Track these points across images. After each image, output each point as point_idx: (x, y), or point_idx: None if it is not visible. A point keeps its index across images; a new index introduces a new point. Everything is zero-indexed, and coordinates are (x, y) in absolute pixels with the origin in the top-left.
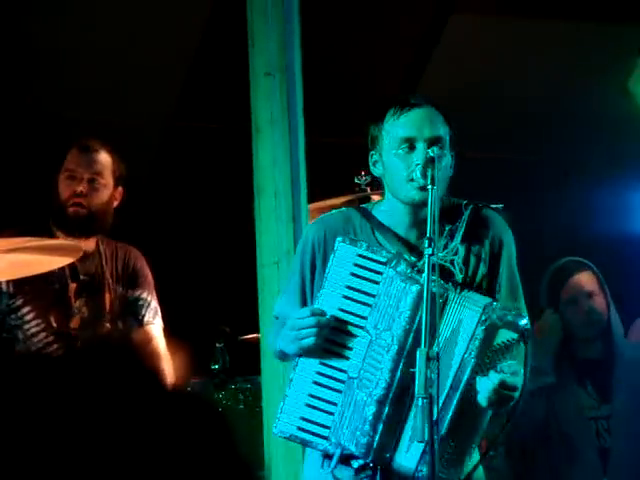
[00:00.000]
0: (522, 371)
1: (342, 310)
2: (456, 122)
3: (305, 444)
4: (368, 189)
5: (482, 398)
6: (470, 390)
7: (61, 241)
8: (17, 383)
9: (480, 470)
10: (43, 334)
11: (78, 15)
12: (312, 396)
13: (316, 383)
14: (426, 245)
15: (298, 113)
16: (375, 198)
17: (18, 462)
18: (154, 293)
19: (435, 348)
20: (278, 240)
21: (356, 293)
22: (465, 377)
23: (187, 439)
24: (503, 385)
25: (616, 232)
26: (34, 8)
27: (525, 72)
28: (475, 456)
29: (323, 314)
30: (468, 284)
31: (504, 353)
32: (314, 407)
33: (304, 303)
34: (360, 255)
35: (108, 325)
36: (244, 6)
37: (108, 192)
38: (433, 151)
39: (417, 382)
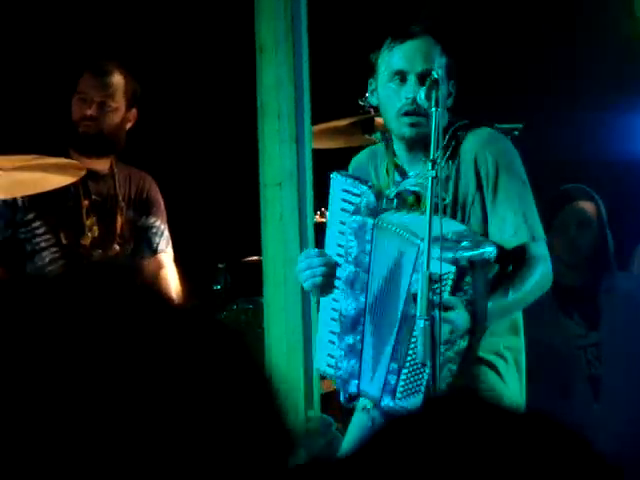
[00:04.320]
0: (460, 305)
1: (338, 245)
2: (456, 45)
3: (331, 379)
4: (372, 111)
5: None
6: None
7: (65, 160)
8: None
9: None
10: (52, 249)
11: None
12: (332, 332)
13: (332, 319)
14: (429, 167)
15: (303, 33)
16: (379, 120)
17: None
18: (166, 221)
19: (436, 270)
20: (281, 161)
21: (345, 227)
22: (410, 309)
23: (204, 359)
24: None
25: (620, 155)
26: None
27: None
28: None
29: (321, 254)
30: (456, 207)
31: (444, 286)
32: (333, 342)
33: None
34: (344, 189)
35: (117, 247)
36: None
37: (120, 114)
38: (437, 73)
39: (419, 304)
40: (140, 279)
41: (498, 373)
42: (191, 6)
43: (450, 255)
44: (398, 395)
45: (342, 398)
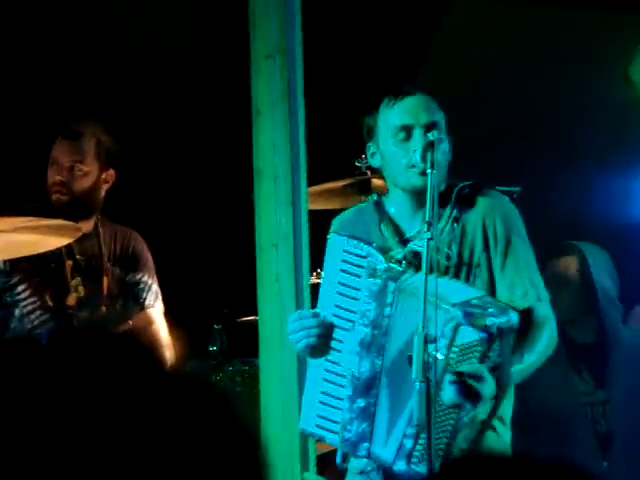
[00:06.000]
0: (487, 374)
1: (337, 306)
2: (456, 108)
3: (322, 440)
4: (368, 172)
5: (445, 397)
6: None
7: (59, 221)
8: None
9: None
10: (38, 312)
11: None
12: (323, 393)
13: (325, 380)
14: (425, 229)
15: (298, 96)
16: (376, 181)
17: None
18: (154, 276)
19: (432, 331)
20: (277, 223)
21: (345, 288)
22: (437, 374)
23: (190, 422)
24: (463, 388)
25: (617, 217)
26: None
27: (526, 57)
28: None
29: (315, 315)
30: (461, 268)
31: (473, 352)
32: (326, 404)
33: None
34: (345, 250)
35: (104, 307)
36: None
37: (91, 178)
38: (433, 135)
39: (414, 366)
40: (127, 341)
41: (496, 433)
42: (188, 68)
43: (482, 322)
44: (414, 460)
45: (338, 459)
